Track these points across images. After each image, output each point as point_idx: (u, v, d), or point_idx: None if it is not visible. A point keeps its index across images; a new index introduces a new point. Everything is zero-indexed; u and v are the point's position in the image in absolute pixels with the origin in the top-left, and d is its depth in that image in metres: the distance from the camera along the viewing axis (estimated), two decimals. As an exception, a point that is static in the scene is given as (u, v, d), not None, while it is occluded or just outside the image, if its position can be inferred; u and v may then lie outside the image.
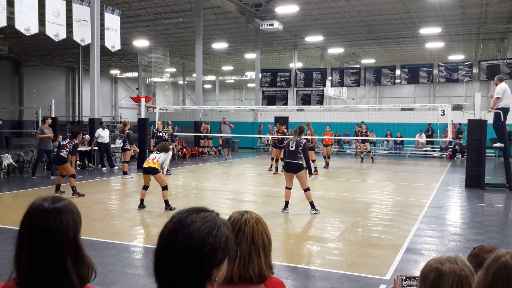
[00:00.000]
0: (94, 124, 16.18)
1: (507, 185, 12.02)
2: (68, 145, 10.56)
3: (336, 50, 31.81)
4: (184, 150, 21.69)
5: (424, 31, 24.59)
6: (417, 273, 1.87)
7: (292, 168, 8.64)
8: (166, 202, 8.77)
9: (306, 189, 8.62)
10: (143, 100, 18.60)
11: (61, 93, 39.16)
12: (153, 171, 8.70)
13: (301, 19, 24.80)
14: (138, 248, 6.39)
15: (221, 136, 21.30)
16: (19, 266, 1.43)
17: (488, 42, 28.99)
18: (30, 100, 32.92)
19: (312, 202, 8.67)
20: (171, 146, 9.42)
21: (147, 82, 38.53)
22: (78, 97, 37.25)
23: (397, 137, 23.48)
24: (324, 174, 15.54)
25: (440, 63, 25.75)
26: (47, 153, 14.04)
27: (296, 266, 5.55)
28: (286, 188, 8.75)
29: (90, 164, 16.53)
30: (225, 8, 22.16)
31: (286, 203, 8.76)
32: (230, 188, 12.56)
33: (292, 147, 8.71)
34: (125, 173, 14.11)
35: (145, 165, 8.89)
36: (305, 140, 8.86)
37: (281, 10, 21.83)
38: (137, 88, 35.11)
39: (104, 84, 39.89)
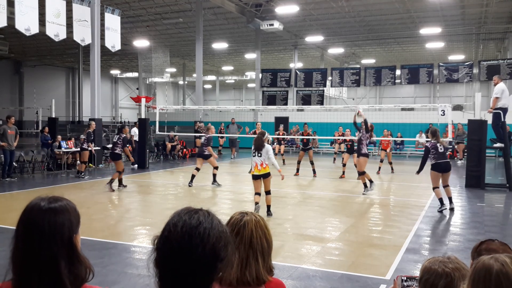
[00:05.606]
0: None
1: (507, 185, 12.03)
2: (118, 141, 11.63)
3: (336, 50, 31.79)
4: (184, 150, 21.72)
5: (424, 31, 24.57)
6: (417, 273, 1.87)
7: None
8: (268, 207, 8.40)
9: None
10: (143, 100, 18.63)
11: (61, 93, 39.12)
12: (265, 176, 8.35)
13: (301, 19, 24.80)
14: (138, 248, 6.39)
15: (222, 137, 21.40)
16: (14, 265, 1.40)
17: (488, 42, 28.98)
18: (30, 100, 32.94)
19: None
20: (265, 137, 8.59)
21: (147, 82, 38.51)
22: (78, 97, 37.24)
23: (397, 137, 23.47)
24: (324, 174, 15.53)
25: (440, 63, 25.72)
26: (10, 153, 13.23)
27: (296, 266, 5.55)
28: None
29: (90, 164, 16.50)
30: (225, 8, 22.15)
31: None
32: (231, 188, 12.57)
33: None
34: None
35: (256, 173, 8.40)
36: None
37: (281, 10, 21.82)
38: (137, 88, 35.10)
39: (104, 84, 39.86)
